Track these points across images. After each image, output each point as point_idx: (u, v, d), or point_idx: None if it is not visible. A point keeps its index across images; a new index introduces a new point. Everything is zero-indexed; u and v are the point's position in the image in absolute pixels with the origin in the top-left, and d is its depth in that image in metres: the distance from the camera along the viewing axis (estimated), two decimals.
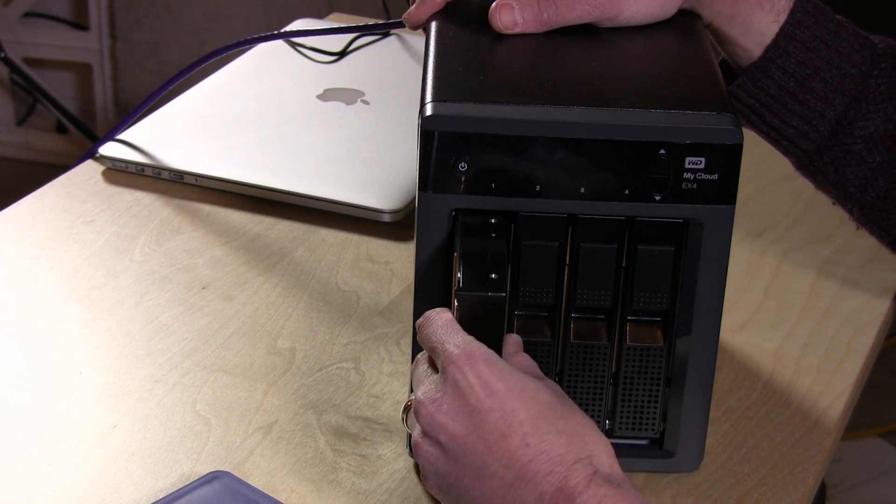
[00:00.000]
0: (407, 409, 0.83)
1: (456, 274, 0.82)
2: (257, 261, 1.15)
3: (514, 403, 0.76)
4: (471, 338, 0.79)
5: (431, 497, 0.88)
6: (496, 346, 0.82)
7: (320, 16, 1.71)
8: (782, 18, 0.96)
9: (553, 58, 0.91)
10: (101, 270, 1.13)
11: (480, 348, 0.78)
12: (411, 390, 0.84)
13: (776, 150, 1.01)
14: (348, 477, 0.92)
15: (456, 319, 0.81)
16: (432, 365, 0.81)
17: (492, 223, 0.85)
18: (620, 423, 0.91)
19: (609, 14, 0.92)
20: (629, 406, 0.91)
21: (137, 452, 0.93)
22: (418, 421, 0.79)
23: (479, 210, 0.85)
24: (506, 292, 0.81)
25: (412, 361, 0.88)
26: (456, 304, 0.81)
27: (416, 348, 0.87)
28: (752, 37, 0.96)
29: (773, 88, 0.97)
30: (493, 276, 0.81)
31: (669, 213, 0.85)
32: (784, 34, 0.96)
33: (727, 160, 0.83)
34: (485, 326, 0.81)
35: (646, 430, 0.91)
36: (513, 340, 0.84)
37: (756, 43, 0.97)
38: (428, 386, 0.79)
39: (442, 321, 0.81)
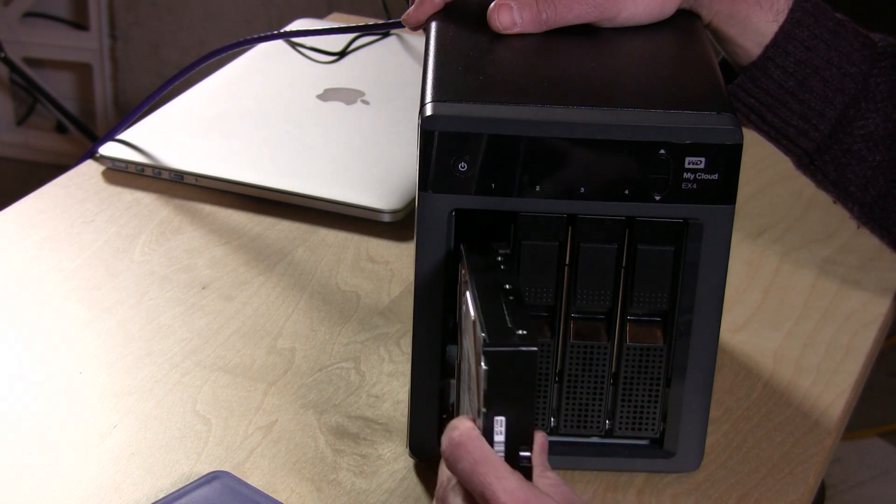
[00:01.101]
0: None
1: (479, 332, 0.75)
2: (257, 261, 1.15)
3: None
4: (520, 478, 0.73)
5: (432, 497, 0.88)
6: (528, 404, 0.75)
7: (320, 16, 1.71)
8: (781, 18, 0.96)
9: (553, 58, 0.91)
10: (101, 270, 1.13)
11: (534, 494, 0.73)
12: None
13: (776, 150, 1.01)
14: (348, 477, 0.92)
15: (483, 377, 0.74)
16: (468, 499, 0.75)
17: (498, 260, 0.81)
18: (620, 423, 0.91)
19: (608, 14, 0.92)
20: (629, 406, 0.91)
21: (137, 452, 0.93)
22: None
23: (483, 229, 0.84)
24: (537, 346, 0.74)
25: (412, 364, 0.88)
26: (483, 364, 0.73)
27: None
28: (751, 36, 0.96)
29: (772, 88, 0.97)
30: (521, 332, 0.74)
31: (669, 213, 0.85)
32: (783, 33, 0.96)
33: (727, 160, 0.83)
34: (516, 382, 0.74)
35: (646, 430, 0.91)
36: (540, 447, 0.76)
37: (755, 42, 0.96)
38: None
39: (478, 451, 0.74)
